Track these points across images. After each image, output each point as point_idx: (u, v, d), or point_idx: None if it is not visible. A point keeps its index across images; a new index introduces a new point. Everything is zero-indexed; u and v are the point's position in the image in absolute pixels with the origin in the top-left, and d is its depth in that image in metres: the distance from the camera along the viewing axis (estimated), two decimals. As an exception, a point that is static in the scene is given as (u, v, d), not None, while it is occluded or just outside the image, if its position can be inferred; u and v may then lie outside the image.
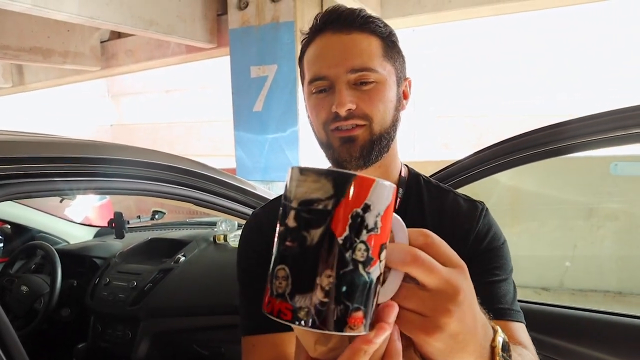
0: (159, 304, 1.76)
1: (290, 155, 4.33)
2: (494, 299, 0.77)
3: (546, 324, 1.18)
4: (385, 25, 0.79)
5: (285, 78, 4.20)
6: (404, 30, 6.67)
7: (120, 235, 2.04)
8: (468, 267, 0.65)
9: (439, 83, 7.88)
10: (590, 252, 3.60)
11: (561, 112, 5.71)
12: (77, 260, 2.11)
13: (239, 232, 2.03)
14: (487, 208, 0.85)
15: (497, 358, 0.48)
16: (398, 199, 0.84)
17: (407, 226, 0.45)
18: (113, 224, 2.04)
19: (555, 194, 3.55)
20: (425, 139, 8.27)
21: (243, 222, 1.91)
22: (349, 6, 0.79)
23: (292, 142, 4.30)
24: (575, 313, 1.20)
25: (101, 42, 5.70)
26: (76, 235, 2.51)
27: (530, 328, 0.78)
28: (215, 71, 9.72)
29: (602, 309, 1.20)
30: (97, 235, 2.58)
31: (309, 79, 0.79)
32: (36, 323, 1.78)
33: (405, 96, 0.84)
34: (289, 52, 4.15)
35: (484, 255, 0.80)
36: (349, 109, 0.74)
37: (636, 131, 1.02)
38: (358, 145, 0.76)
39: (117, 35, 5.62)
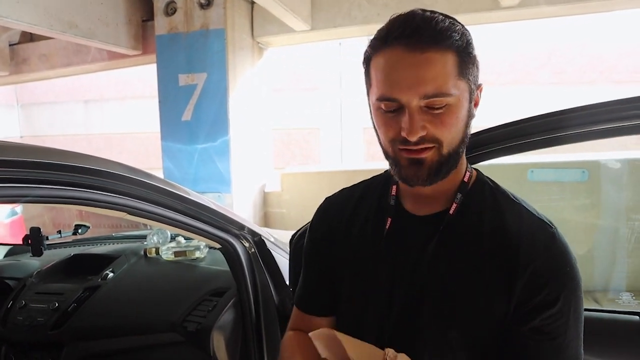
0: (86, 325, 1.62)
1: (221, 165, 4.22)
2: None
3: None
4: (463, 34, 0.73)
5: (216, 87, 4.11)
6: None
7: (37, 253, 1.84)
8: (520, 299, 0.75)
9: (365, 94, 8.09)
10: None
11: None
12: (-15, 282, 1.89)
13: (172, 244, 1.93)
14: (559, 234, 0.78)
15: None
16: (454, 205, 0.80)
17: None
18: (29, 240, 1.86)
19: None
20: (353, 150, 8.45)
21: (176, 232, 1.81)
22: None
23: (223, 152, 4.20)
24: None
25: (10, 45, 5.26)
26: (-17, 254, 2.27)
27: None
28: (137, 80, 9.33)
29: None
30: (8, 254, 2.34)
31: (378, 95, 0.74)
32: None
33: (476, 104, 0.79)
34: (219, 60, 4.07)
35: (545, 302, 0.73)
36: (420, 136, 0.72)
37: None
38: (426, 167, 0.74)
39: (29, 37, 5.22)
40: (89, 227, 2.15)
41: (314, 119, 8.86)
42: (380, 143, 0.80)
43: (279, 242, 1.65)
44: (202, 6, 4.06)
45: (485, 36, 7.17)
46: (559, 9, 3.79)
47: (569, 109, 1.08)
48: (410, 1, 3.94)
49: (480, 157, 1.13)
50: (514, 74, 8.50)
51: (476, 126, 1.14)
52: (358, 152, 8.57)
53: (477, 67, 0.76)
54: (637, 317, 1.05)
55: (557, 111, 1.10)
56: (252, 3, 4.33)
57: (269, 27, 4.39)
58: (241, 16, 4.22)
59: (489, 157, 1.15)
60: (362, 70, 0.80)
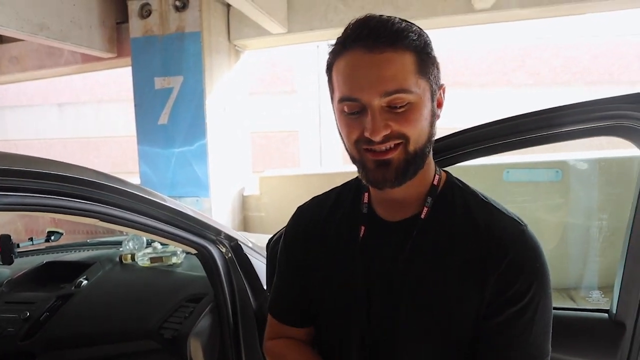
0: (58, 334, 1.58)
1: (199, 169, 4.18)
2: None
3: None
4: (420, 35, 0.74)
5: (192, 90, 4.06)
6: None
7: (7, 261, 1.79)
8: (491, 294, 0.75)
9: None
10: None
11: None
12: (-48, 293, 1.83)
13: (148, 250, 1.90)
14: (529, 231, 0.78)
15: None
16: (425, 209, 0.81)
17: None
18: (-1, 249, 1.81)
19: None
20: (332, 153, 8.45)
21: (153, 239, 1.79)
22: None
23: (201, 155, 4.16)
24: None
25: (-21, 47, 5.13)
26: (-49, 264, 2.19)
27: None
28: (113, 83, 9.19)
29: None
30: (-22, 263, 2.27)
31: (339, 97, 0.75)
32: None
33: (439, 105, 0.79)
34: (195, 63, 4.03)
35: (513, 297, 0.74)
36: (384, 135, 0.72)
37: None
38: (393, 167, 0.74)
39: (-1, 40, 5.10)
40: (62, 234, 2.11)
41: (292, 122, 8.84)
42: (345, 148, 0.80)
43: (256, 246, 1.64)
44: (177, 9, 4.02)
45: (462, 38, 7.27)
46: (532, 11, 3.86)
47: (542, 110, 1.09)
48: (385, 5, 3.97)
49: (454, 159, 1.15)
50: (491, 76, 8.63)
51: (455, 127, 1.15)
52: (337, 155, 8.57)
53: (438, 68, 0.77)
54: (605, 315, 1.08)
55: (531, 112, 1.11)
56: (228, 6, 4.30)
57: (245, 30, 4.37)
58: (217, 19, 4.19)
59: (463, 159, 1.16)
60: (326, 78, 0.80)
